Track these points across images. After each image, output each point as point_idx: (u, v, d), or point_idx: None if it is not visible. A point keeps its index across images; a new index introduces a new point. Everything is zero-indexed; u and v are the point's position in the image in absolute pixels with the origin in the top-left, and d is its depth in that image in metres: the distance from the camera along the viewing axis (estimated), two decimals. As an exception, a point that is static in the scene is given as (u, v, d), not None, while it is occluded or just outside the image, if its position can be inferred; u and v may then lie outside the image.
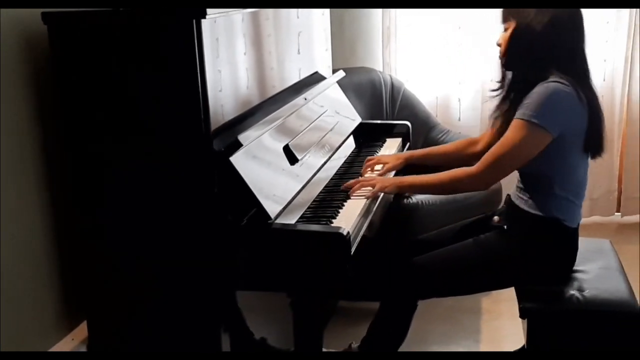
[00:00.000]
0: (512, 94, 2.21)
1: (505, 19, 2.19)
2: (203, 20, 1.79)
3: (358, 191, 2.25)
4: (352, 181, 2.30)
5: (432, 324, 3.02)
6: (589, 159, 2.20)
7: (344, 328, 2.96)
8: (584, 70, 2.16)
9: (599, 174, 4.03)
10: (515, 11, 2.14)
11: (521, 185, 2.24)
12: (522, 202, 2.23)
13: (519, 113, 2.07)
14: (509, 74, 2.25)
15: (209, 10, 1.77)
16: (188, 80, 1.80)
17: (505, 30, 2.19)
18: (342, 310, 3.16)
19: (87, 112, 1.95)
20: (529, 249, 2.20)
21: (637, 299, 2.16)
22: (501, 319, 3.07)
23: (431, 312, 3.07)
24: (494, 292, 3.19)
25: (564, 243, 2.23)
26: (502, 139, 2.09)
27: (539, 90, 2.05)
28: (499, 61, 2.24)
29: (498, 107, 2.28)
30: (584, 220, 3.97)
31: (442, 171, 2.24)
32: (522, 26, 2.12)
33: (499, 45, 2.22)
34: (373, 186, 2.25)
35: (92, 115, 1.94)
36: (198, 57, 1.78)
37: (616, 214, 4.15)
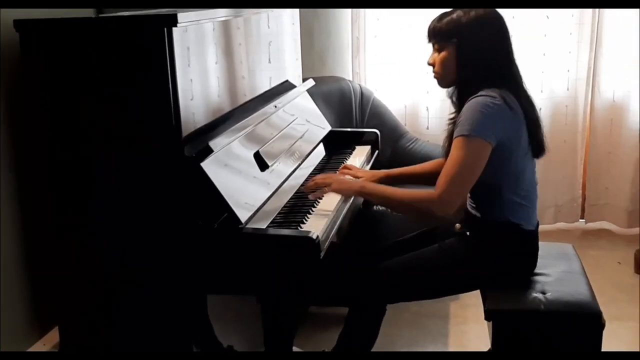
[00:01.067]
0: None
1: (440, 40, 2.22)
2: (174, 29, 1.82)
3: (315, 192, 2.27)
4: (309, 182, 2.33)
5: (400, 329, 3.06)
6: (535, 159, 2.29)
7: (315, 334, 2.99)
8: (519, 79, 2.25)
9: (564, 182, 4.12)
10: (455, 32, 2.18)
11: (471, 199, 2.30)
12: (475, 210, 2.29)
13: (456, 132, 2.11)
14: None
15: (181, 16, 1.80)
16: (160, 87, 1.83)
17: (439, 50, 2.23)
18: (313, 315, 3.19)
19: (58, 120, 1.97)
20: (490, 253, 2.25)
21: (598, 301, 2.23)
22: (468, 324, 3.12)
23: (398, 318, 3.11)
24: (462, 297, 3.26)
25: (522, 246, 2.29)
26: (449, 160, 2.12)
27: (469, 106, 2.11)
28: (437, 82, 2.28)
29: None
30: (549, 227, 4.14)
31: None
32: (463, 46, 2.17)
33: (431, 64, 2.26)
34: (328, 185, 2.28)
35: (64, 122, 1.96)
36: (169, 64, 1.81)
37: (580, 220, 4.24)
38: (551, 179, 4.09)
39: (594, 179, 4.13)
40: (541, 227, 4.04)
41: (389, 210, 2.44)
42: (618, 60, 3.90)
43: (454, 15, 2.19)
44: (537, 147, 2.26)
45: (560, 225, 4.21)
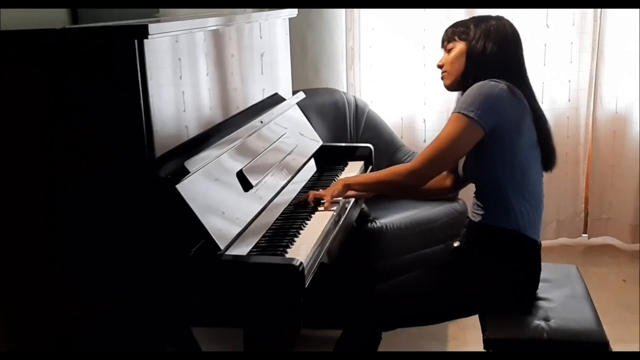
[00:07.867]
0: None
1: (450, 40, 2.26)
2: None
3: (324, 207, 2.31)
4: (303, 196, 2.37)
5: (397, 351, 2.95)
6: (544, 171, 2.25)
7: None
8: (527, 81, 2.25)
9: (566, 196, 4.01)
10: (464, 32, 2.22)
11: (478, 202, 2.23)
12: (480, 217, 2.21)
13: (455, 108, 2.15)
14: None
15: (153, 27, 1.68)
16: (130, 103, 1.70)
17: (449, 51, 2.26)
18: (305, 338, 3.08)
19: (29, 136, 1.84)
20: (490, 266, 2.17)
21: (603, 321, 2.13)
22: (467, 346, 3.00)
23: (395, 340, 2.99)
24: (460, 319, 3.13)
25: (525, 257, 2.20)
26: (440, 133, 2.15)
27: (474, 86, 2.13)
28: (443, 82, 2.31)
29: None
30: (550, 242, 4.02)
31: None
32: (474, 47, 2.20)
33: (440, 67, 2.29)
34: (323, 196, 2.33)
35: (34, 138, 1.83)
36: (141, 79, 1.68)
37: (583, 235, 4.12)
38: (553, 193, 3.97)
39: (597, 193, 4.02)
40: (543, 243, 3.97)
41: (373, 193, 2.53)
42: (620, 70, 3.80)
43: (470, 21, 2.25)
44: (547, 156, 2.22)
45: (563, 240, 4.11)
